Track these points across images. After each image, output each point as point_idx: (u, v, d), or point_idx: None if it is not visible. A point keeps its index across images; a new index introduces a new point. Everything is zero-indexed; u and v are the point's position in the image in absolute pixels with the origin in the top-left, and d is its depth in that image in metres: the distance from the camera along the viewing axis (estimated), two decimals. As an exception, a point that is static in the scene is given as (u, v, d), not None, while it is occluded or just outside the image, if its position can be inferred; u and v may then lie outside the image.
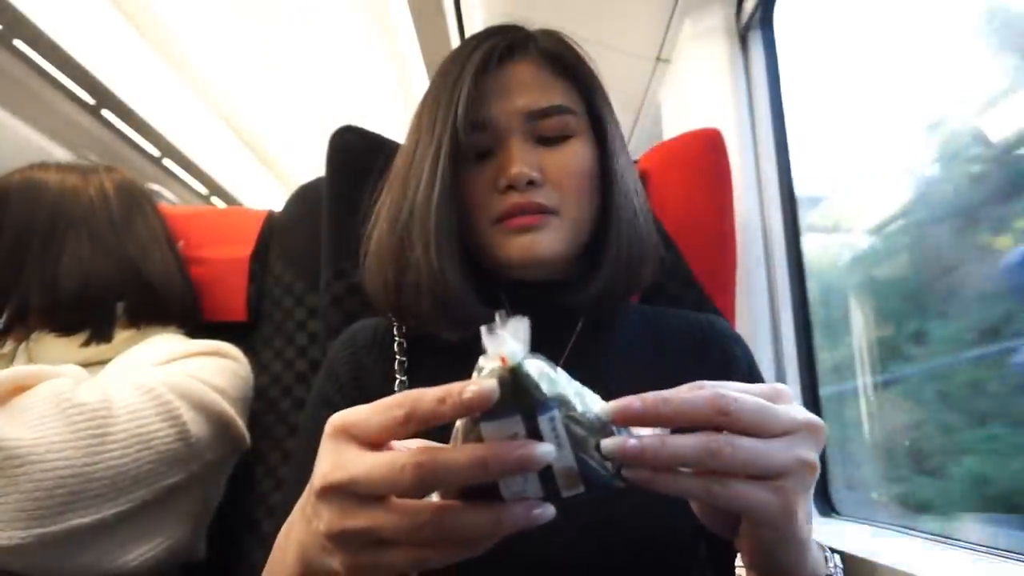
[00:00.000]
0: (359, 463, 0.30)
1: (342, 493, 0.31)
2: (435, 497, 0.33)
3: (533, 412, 0.29)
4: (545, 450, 0.28)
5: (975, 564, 0.64)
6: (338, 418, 0.33)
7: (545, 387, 0.30)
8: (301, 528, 0.36)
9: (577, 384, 0.32)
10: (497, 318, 0.30)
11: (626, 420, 0.32)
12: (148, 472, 0.67)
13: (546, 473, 0.30)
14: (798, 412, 0.35)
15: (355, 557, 0.32)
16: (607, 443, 0.31)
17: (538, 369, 0.30)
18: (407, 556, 0.31)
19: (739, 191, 0.97)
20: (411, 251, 0.58)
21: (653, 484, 0.32)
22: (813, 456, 0.34)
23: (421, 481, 0.29)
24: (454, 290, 0.57)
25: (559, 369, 0.32)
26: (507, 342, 0.29)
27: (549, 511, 0.30)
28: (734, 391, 0.33)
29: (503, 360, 0.29)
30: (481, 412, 0.29)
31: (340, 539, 0.32)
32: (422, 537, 0.30)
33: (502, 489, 0.30)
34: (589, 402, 0.32)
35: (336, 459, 0.31)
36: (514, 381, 0.29)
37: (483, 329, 0.30)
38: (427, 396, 0.30)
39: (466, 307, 0.58)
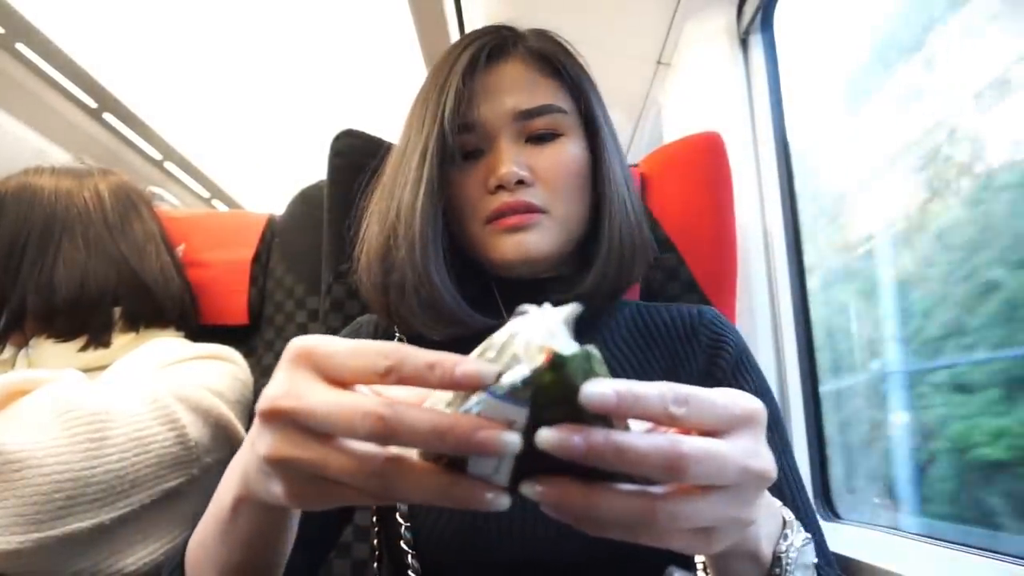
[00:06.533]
0: (317, 397, 0.28)
1: (290, 421, 0.29)
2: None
3: (550, 405, 0.27)
4: (509, 439, 0.26)
5: (977, 565, 0.64)
6: (304, 344, 0.30)
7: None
8: (245, 451, 0.35)
9: None
10: (529, 308, 0.29)
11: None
12: (146, 476, 0.66)
13: (523, 463, 0.28)
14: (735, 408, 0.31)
15: (296, 486, 0.30)
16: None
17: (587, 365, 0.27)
18: (350, 495, 0.30)
19: (740, 194, 0.96)
20: (396, 252, 0.58)
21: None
22: (760, 470, 0.30)
23: (379, 435, 0.27)
24: (439, 290, 0.57)
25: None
26: (556, 335, 0.27)
27: (502, 502, 0.28)
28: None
29: (547, 354, 0.26)
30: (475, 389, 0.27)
31: (280, 466, 0.30)
32: (368, 484, 0.28)
33: (469, 465, 0.28)
34: None
35: (291, 385, 0.29)
36: (555, 377, 0.26)
37: (526, 308, 0.29)
38: (416, 357, 0.28)
39: (451, 308, 0.58)
